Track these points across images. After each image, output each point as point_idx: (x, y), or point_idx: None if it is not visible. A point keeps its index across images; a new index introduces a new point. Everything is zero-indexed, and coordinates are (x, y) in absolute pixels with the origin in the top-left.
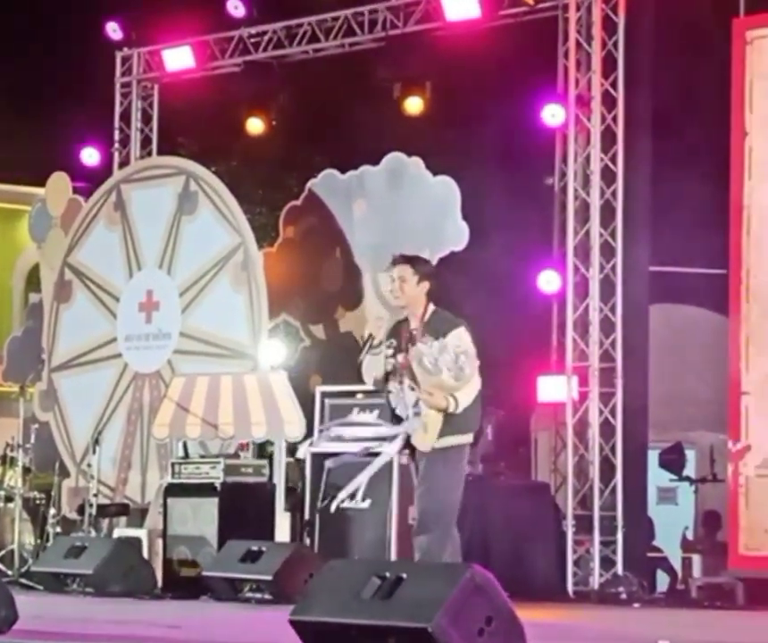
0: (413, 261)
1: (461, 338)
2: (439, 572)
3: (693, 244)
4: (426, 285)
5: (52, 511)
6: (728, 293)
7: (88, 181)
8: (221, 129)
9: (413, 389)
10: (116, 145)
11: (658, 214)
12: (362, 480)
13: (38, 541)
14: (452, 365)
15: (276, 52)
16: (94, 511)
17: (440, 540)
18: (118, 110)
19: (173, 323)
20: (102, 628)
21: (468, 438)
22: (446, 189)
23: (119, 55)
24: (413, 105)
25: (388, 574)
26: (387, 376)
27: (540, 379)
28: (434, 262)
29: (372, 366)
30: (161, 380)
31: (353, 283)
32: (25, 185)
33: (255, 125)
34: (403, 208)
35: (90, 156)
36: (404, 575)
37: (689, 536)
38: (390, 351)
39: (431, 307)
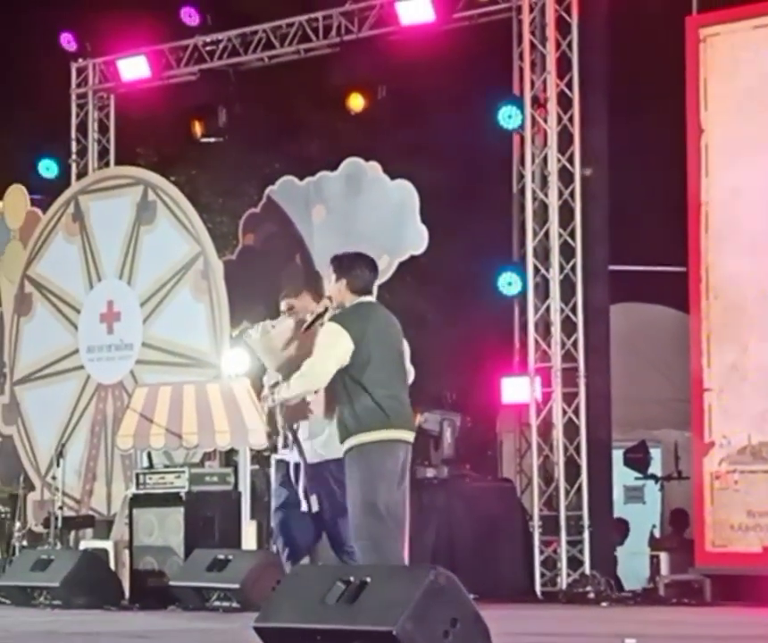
0: (333, 260)
1: (326, 333)
2: (403, 575)
3: (652, 242)
4: (343, 282)
5: (17, 524)
6: (688, 290)
7: (46, 193)
8: (179, 138)
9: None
10: (73, 156)
11: (616, 213)
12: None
13: (4, 555)
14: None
15: (231, 59)
16: (59, 523)
17: (366, 553)
18: (74, 121)
19: (135, 333)
20: (70, 640)
21: (359, 438)
22: (405, 193)
23: (74, 66)
24: (364, 107)
25: (352, 579)
26: None
27: (504, 380)
28: (394, 266)
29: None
30: (124, 391)
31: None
32: None
33: (212, 133)
34: (361, 213)
35: (48, 168)
36: (369, 579)
37: (657, 534)
38: None
39: (355, 301)
